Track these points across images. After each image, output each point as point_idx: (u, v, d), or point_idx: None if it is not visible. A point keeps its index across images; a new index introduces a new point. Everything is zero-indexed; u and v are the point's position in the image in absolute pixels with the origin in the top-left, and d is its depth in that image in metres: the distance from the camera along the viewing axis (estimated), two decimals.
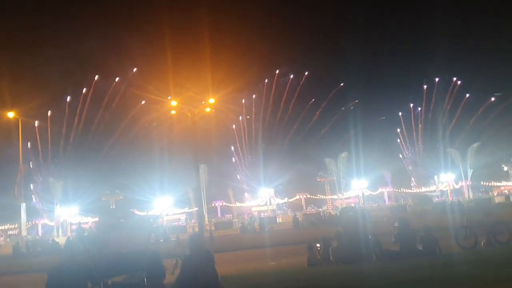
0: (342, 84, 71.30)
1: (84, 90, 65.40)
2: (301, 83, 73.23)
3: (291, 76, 73.51)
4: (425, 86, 73.22)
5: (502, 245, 13.90)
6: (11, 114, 43.11)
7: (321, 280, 10.05)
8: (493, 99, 65.58)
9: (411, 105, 74.44)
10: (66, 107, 64.62)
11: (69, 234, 48.66)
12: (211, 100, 36.91)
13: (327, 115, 73.54)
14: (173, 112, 38.40)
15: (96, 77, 65.50)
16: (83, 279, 7.83)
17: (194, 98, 37.66)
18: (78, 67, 67.90)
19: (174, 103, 35.48)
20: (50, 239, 40.08)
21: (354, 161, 62.06)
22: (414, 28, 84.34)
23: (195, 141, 34.08)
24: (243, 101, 69.97)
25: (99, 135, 66.97)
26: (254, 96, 71.06)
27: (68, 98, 64.77)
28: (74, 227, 51.28)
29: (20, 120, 44.11)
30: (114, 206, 56.74)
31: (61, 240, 38.43)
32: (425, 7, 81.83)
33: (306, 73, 72.90)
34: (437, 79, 71.85)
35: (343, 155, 62.26)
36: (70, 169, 66.48)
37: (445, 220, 22.46)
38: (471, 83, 70.25)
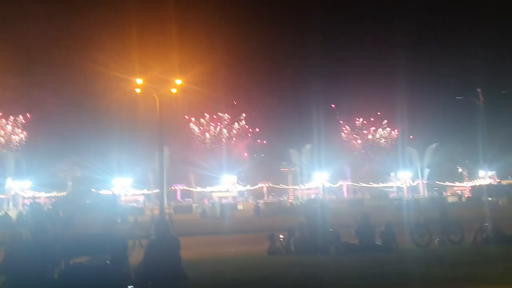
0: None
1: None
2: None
3: None
4: None
5: (454, 244, 14.45)
6: None
7: (281, 269, 10.07)
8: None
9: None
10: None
11: (20, 208, 47.07)
12: (178, 81, 36.17)
13: (294, 106, 74.49)
14: (138, 90, 37.31)
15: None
16: (44, 259, 7.57)
17: (160, 78, 36.84)
18: (41, 38, 65.57)
19: (139, 81, 34.58)
20: (2, 212, 38.69)
21: (317, 153, 62.86)
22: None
23: (160, 122, 33.51)
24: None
25: (57, 109, 64.85)
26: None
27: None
28: (26, 201, 49.61)
29: None
30: (71, 183, 55.15)
31: (12, 213, 37.13)
32: None
33: None
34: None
35: (307, 147, 62.84)
36: (25, 141, 64.47)
37: (401, 216, 23.12)
38: (434, 85, 72.93)
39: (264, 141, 75.63)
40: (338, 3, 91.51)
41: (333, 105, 75.38)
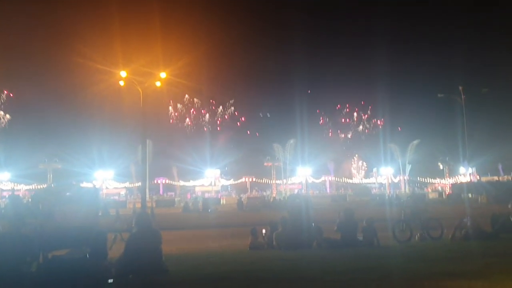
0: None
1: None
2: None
3: None
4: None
5: (434, 240, 14.62)
6: None
7: (263, 264, 10.07)
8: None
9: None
10: None
11: None
12: (163, 75, 35.75)
13: (277, 100, 74.73)
14: (121, 83, 36.78)
15: None
16: (23, 252, 7.42)
17: (143, 71, 36.41)
18: (21, 28, 64.29)
19: (123, 73, 34.09)
20: None
21: (300, 148, 63.21)
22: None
23: (143, 115, 33.17)
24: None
25: (37, 100, 63.88)
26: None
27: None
28: (5, 193, 48.72)
29: None
30: (51, 175, 54.35)
31: None
32: None
33: None
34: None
35: (291, 141, 63.05)
36: (4, 133, 63.33)
37: (382, 212, 23.32)
38: (417, 83, 73.91)
39: (257, 133, 75.75)
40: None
41: (308, 91, 75.80)
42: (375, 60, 74.00)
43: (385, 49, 69.66)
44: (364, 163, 70.81)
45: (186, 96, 73.04)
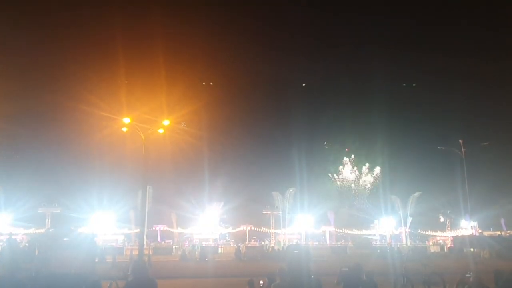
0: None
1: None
2: None
3: None
4: None
5: None
6: None
7: None
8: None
9: None
10: None
11: None
12: (166, 122, 36.14)
13: (278, 148, 75.50)
14: (124, 129, 37.14)
15: None
16: None
17: (147, 118, 36.89)
18: (24, 74, 66.06)
19: (127, 120, 34.49)
20: None
21: (299, 197, 62.84)
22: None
23: (145, 161, 33.27)
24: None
25: (38, 143, 64.62)
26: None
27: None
28: (2, 237, 48.02)
29: None
30: (50, 220, 53.83)
31: None
32: None
33: None
34: None
35: (291, 190, 62.80)
36: (5, 175, 63.40)
37: (383, 265, 22.88)
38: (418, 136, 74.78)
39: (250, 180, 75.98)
40: (321, 55, 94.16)
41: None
42: (376, 112, 75.19)
43: (386, 101, 70.75)
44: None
45: (183, 124, 73.80)
